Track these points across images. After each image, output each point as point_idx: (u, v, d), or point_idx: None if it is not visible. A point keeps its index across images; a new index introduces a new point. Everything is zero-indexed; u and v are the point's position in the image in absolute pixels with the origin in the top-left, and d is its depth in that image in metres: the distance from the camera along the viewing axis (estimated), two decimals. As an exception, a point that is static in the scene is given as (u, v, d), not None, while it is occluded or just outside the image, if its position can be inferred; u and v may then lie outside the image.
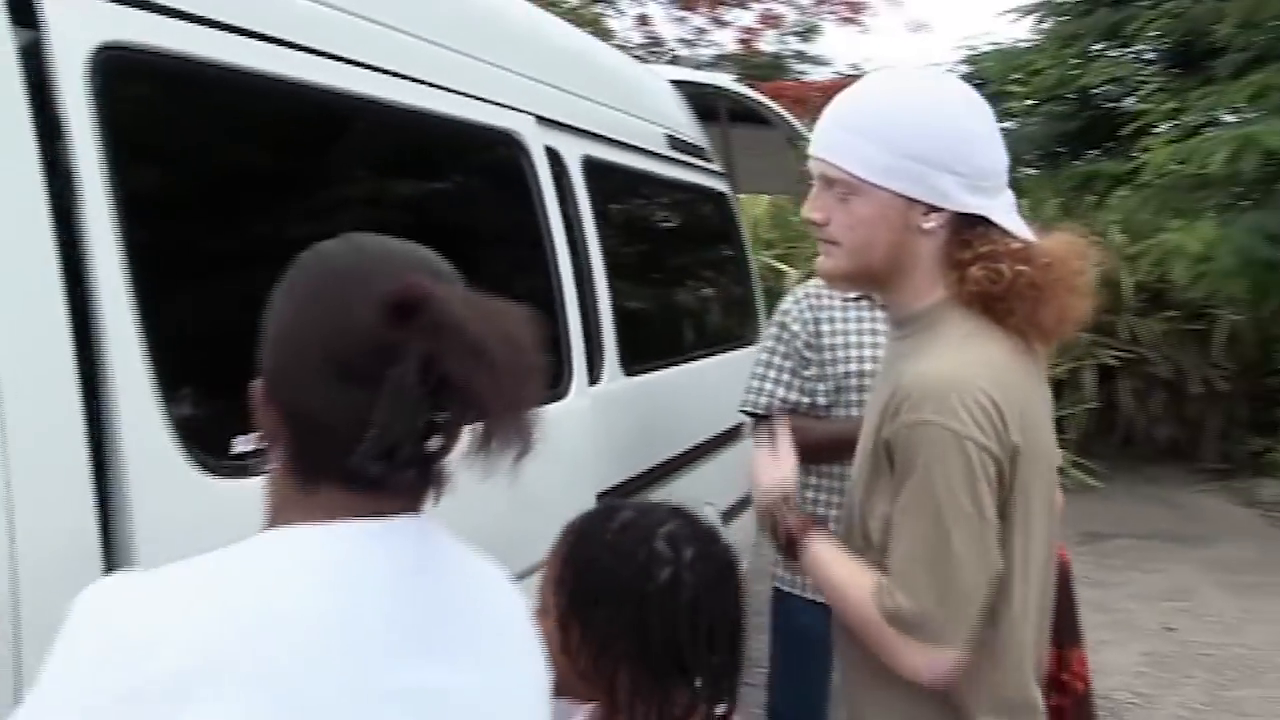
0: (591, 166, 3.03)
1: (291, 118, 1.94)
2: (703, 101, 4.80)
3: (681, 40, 16.19)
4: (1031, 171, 10.37)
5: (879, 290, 1.71)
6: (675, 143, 4.09)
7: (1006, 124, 11.19)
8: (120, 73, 1.52)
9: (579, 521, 1.41)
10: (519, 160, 2.63)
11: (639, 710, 1.30)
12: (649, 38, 15.95)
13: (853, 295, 2.43)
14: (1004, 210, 1.59)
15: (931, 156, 1.54)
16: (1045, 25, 11.14)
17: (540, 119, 2.74)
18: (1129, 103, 8.96)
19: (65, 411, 1.37)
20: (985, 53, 11.76)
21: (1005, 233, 1.57)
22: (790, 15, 16.50)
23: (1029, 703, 1.66)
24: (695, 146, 4.37)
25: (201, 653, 0.86)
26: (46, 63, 1.42)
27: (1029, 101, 10.61)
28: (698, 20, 15.90)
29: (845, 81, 9.41)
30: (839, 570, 1.64)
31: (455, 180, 2.48)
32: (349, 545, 0.97)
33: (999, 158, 1.60)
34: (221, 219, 1.74)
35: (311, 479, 0.99)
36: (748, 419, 2.72)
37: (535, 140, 2.68)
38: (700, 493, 3.69)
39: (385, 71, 2.11)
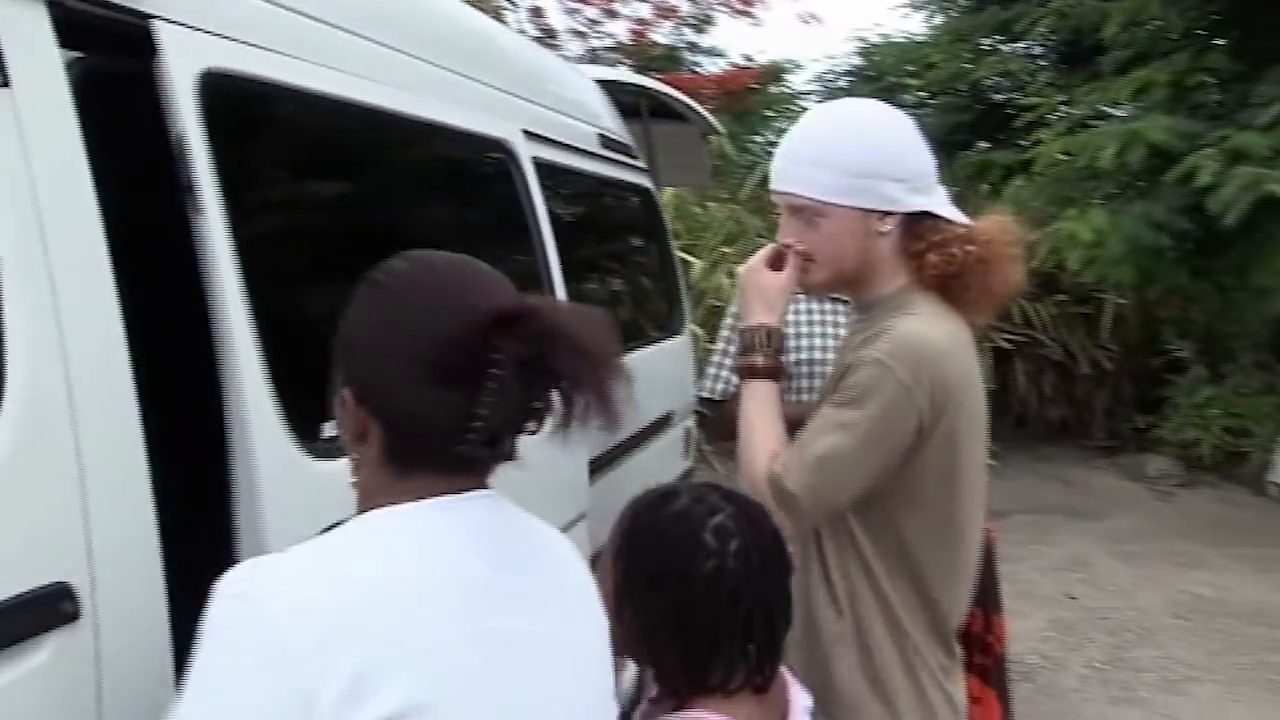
0: (539, 167, 3.15)
1: (350, 131, 2.22)
2: (623, 99, 4.93)
3: (574, 32, 16.20)
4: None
5: (852, 289, 1.94)
6: (606, 141, 4.21)
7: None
8: (219, 94, 1.71)
9: (639, 503, 1.53)
10: (506, 165, 2.88)
11: (678, 682, 1.45)
12: (542, 30, 15.95)
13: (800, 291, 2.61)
14: (941, 203, 1.85)
15: (877, 171, 1.79)
16: (936, 20, 11.50)
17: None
18: (1020, 96, 9.30)
19: (125, 411, 1.46)
20: (879, 46, 12.08)
21: (948, 221, 1.83)
22: (684, 7, 16.63)
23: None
24: (623, 145, 4.50)
25: (337, 618, 1.01)
26: (165, 84, 1.59)
27: (923, 94, 10.93)
28: (590, 12, 15.93)
29: (741, 74, 9.59)
30: (762, 417, 1.88)
31: (459, 182, 2.76)
32: (442, 516, 1.13)
33: (928, 160, 1.86)
34: (301, 224, 1.97)
35: (405, 468, 1.15)
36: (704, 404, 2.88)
37: (522, 147, 2.93)
38: (638, 479, 3.84)
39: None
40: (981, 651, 2.17)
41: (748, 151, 13.71)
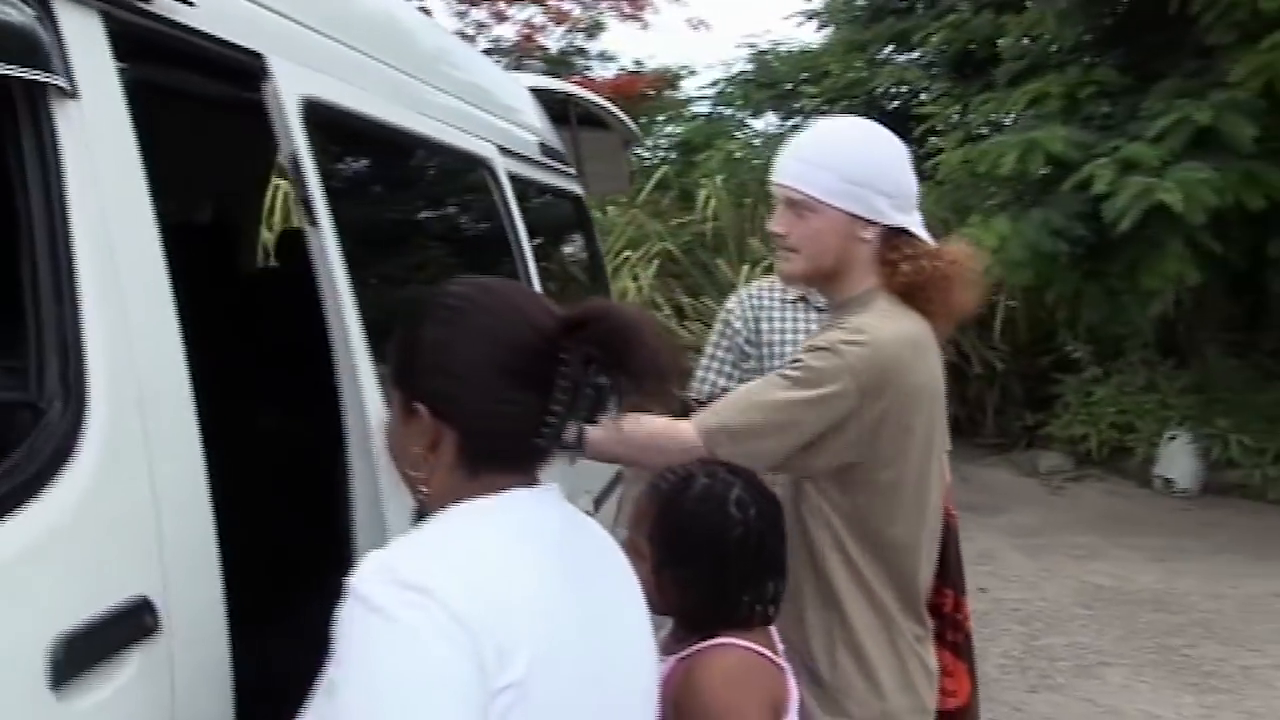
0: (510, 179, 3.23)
1: (395, 151, 2.52)
2: (551, 106, 4.98)
3: (462, 35, 16.05)
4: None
5: (825, 285, 2.10)
6: (545, 150, 4.26)
7: (800, 121, 11.77)
8: (315, 118, 1.92)
9: (662, 490, 1.76)
10: (487, 179, 3.06)
11: (708, 624, 1.66)
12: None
13: (791, 297, 2.73)
14: (918, 225, 2.04)
15: (871, 183, 1.96)
16: (827, 30, 11.77)
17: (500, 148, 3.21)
18: (916, 105, 9.59)
19: (185, 419, 1.47)
20: (775, 54, 12.30)
21: (922, 241, 2.02)
22: (575, 11, 16.63)
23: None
24: (558, 152, 4.54)
25: (483, 593, 1.12)
26: (277, 109, 1.81)
27: (818, 101, 11.19)
28: (479, 14, 15.80)
29: (635, 79, 9.73)
30: (640, 422, 1.96)
31: (463, 194, 3.02)
32: (528, 505, 1.26)
33: (914, 184, 2.05)
34: (370, 229, 2.16)
35: (479, 467, 1.26)
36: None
37: (499, 162, 3.12)
38: (578, 481, 3.91)
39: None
40: (953, 629, 2.36)
41: (640, 157, 13.84)
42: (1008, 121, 8.37)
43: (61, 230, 1.31)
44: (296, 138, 1.81)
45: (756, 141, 12.48)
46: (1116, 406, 8.96)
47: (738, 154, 11.99)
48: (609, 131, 5.90)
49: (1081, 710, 4.66)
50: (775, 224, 2.06)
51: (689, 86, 15.15)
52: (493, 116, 3.30)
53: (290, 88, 1.84)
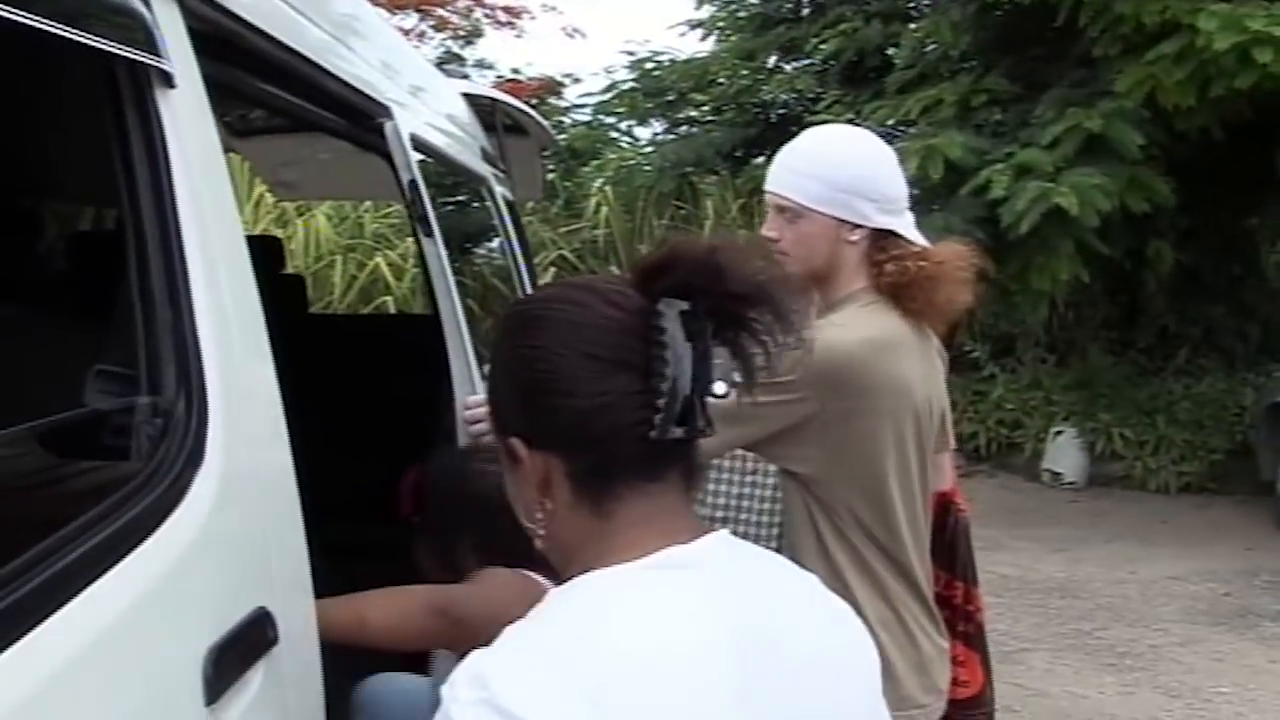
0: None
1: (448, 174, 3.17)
2: (478, 112, 4.95)
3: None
4: (713, 176, 11.12)
5: (818, 286, 2.16)
6: (485, 154, 4.24)
7: (688, 129, 11.89)
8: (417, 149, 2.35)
9: (438, 467, 2.01)
10: (486, 195, 3.65)
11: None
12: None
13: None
14: (906, 226, 2.11)
15: (856, 189, 2.05)
16: (711, 39, 11.90)
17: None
18: (807, 113, 9.76)
19: (277, 420, 1.42)
20: (661, 64, 12.34)
21: (909, 241, 2.09)
22: (453, 20, 16.47)
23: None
24: (494, 157, 4.52)
25: None
26: (397, 144, 2.21)
27: (706, 110, 11.33)
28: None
29: (519, 86, 9.72)
30: None
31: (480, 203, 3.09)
32: (675, 580, 1.01)
33: (901, 188, 2.13)
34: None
35: (599, 496, 1.04)
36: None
37: (495, 184, 3.64)
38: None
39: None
40: (964, 620, 2.42)
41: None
42: (894, 125, 8.60)
43: (173, 224, 1.26)
44: (414, 167, 2.19)
45: (647, 150, 12.55)
46: (1004, 404, 9.30)
47: (629, 161, 12.06)
48: (526, 137, 5.88)
49: (1012, 693, 4.81)
50: (767, 228, 2.16)
51: (571, 94, 15.15)
52: (476, 140, 3.67)
53: (406, 127, 2.24)
